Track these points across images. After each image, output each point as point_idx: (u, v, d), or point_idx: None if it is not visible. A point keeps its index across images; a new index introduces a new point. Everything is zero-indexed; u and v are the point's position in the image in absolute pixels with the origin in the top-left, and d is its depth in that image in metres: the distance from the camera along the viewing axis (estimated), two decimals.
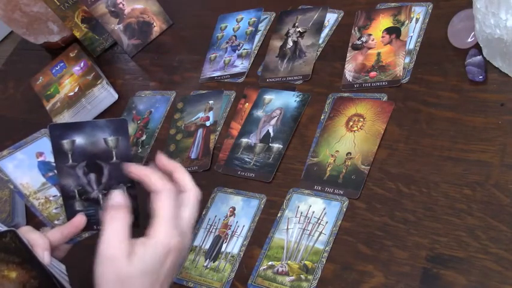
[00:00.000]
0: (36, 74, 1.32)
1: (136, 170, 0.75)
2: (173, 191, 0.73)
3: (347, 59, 1.00)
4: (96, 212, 0.77)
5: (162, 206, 0.71)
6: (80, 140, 0.75)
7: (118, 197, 0.73)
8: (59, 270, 0.74)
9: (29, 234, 0.73)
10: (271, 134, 0.97)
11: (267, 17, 1.16)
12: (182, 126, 1.08)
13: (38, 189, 0.79)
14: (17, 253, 0.71)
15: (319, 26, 1.08)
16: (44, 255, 0.72)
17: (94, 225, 0.78)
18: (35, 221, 0.76)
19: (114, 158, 0.75)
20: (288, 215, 0.87)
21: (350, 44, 1.02)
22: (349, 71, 0.98)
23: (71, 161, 0.75)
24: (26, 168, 0.79)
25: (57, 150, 0.75)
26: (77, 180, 0.76)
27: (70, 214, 0.78)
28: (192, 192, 0.74)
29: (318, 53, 1.05)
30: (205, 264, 0.88)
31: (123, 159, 0.75)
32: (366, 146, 0.88)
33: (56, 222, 0.79)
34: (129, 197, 0.75)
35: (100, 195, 0.76)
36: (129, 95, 1.20)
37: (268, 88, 1.04)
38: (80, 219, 0.77)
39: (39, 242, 0.73)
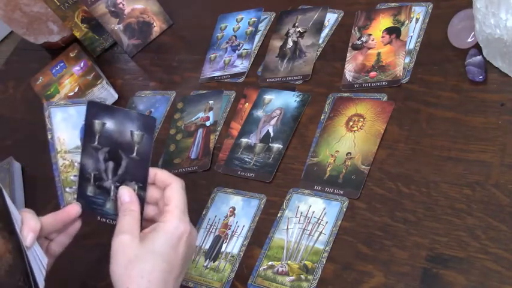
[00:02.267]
0: (36, 74, 1.32)
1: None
2: (182, 182, 0.76)
3: (347, 59, 1.00)
4: (105, 202, 0.77)
5: (173, 195, 0.74)
6: (110, 124, 0.75)
7: (125, 195, 0.75)
8: (40, 260, 0.71)
9: (25, 213, 0.72)
10: (271, 134, 0.97)
11: (267, 17, 1.16)
12: (182, 126, 1.08)
13: (69, 150, 0.78)
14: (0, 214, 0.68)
15: (319, 26, 1.07)
16: (28, 236, 0.70)
17: (98, 215, 0.77)
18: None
19: (135, 154, 0.75)
20: (288, 215, 0.87)
21: (350, 44, 1.02)
22: (349, 71, 0.98)
23: (96, 142, 0.75)
24: (71, 125, 0.78)
25: (88, 128, 0.75)
26: (96, 164, 0.76)
27: (80, 197, 0.77)
28: (175, 182, 0.76)
29: (318, 53, 1.04)
30: (205, 264, 0.88)
31: (142, 157, 0.75)
32: (366, 146, 0.88)
33: (67, 189, 0.78)
34: (138, 197, 0.75)
35: (112, 186, 0.76)
36: (129, 95, 1.20)
37: (268, 88, 1.04)
38: (74, 208, 0.76)
39: (30, 222, 0.71)
